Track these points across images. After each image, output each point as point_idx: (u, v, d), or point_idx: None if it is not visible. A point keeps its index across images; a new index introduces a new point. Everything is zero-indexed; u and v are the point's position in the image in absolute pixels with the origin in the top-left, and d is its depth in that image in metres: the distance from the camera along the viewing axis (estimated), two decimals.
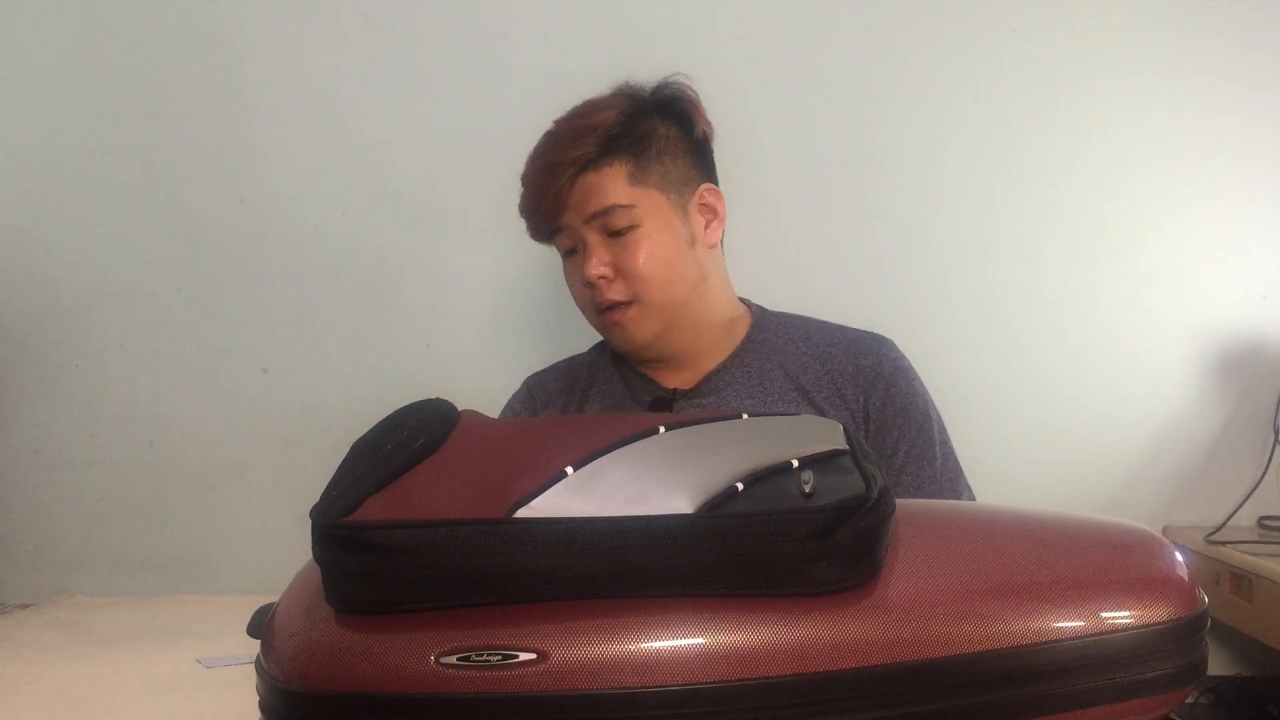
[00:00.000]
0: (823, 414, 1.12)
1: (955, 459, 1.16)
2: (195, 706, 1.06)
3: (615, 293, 1.11)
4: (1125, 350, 1.61)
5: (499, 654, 0.54)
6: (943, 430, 1.16)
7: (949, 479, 1.13)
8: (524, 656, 0.54)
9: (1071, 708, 0.56)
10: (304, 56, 1.66)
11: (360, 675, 0.55)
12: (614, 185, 1.09)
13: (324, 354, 1.67)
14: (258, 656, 0.61)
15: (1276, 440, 1.56)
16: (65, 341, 1.70)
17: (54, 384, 1.70)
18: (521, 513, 0.56)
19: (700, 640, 0.54)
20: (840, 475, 0.60)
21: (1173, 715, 0.60)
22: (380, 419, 0.69)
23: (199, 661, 1.21)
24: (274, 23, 1.66)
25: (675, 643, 0.54)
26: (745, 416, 0.70)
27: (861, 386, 1.13)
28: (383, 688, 0.55)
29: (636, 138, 1.10)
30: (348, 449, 0.66)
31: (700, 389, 1.15)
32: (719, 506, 0.56)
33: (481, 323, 1.66)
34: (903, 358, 1.18)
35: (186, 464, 1.69)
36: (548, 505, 0.56)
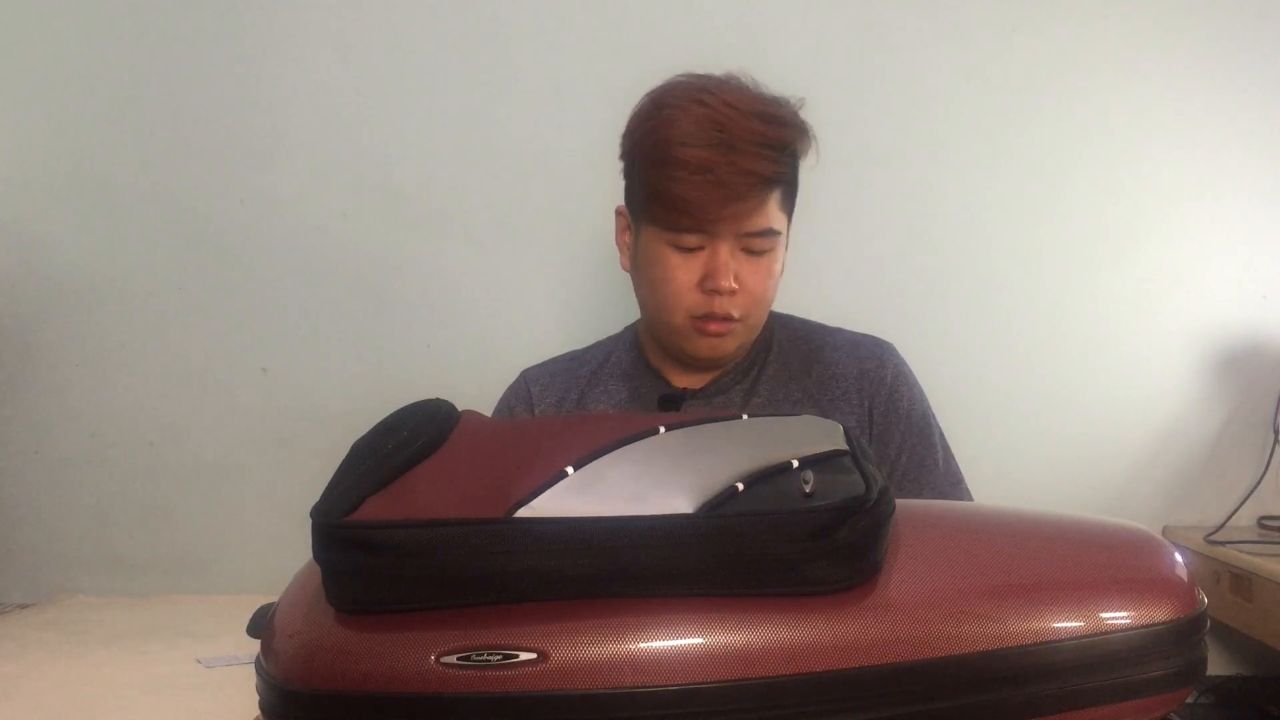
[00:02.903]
0: (828, 418, 1.11)
1: (955, 464, 1.16)
2: (195, 706, 1.06)
3: (734, 307, 1.07)
4: (1125, 350, 1.61)
5: (499, 654, 0.54)
6: (942, 436, 1.16)
7: (951, 483, 1.13)
8: (524, 656, 0.54)
9: (1071, 708, 0.56)
10: (304, 57, 1.66)
11: (360, 675, 0.55)
12: (775, 209, 1.06)
13: (324, 354, 1.67)
14: (258, 656, 0.61)
15: (1276, 440, 1.57)
16: (65, 341, 1.70)
17: (54, 384, 1.70)
18: (522, 513, 0.56)
19: (700, 640, 0.54)
20: (840, 475, 0.60)
21: (1173, 715, 0.60)
22: (380, 419, 0.69)
23: (199, 661, 1.21)
24: (274, 23, 1.66)
25: (675, 643, 0.54)
26: (745, 416, 0.70)
27: (866, 391, 1.13)
28: (383, 687, 0.55)
29: (795, 162, 1.08)
30: (348, 449, 0.66)
31: (709, 389, 1.14)
32: (719, 506, 0.56)
33: (481, 323, 1.66)
34: (904, 363, 1.18)
35: (186, 464, 1.69)
36: (548, 505, 0.56)
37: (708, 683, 0.53)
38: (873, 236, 1.62)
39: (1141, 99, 1.60)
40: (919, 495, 1.10)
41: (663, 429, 0.64)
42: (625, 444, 0.61)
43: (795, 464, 0.60)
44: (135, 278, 1.69)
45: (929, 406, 1.17)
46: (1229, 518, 1.55)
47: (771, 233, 1.06)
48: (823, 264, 1.61)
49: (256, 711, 0.60)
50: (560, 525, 0.55)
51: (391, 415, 0.70)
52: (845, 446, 0.65)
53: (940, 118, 1.61)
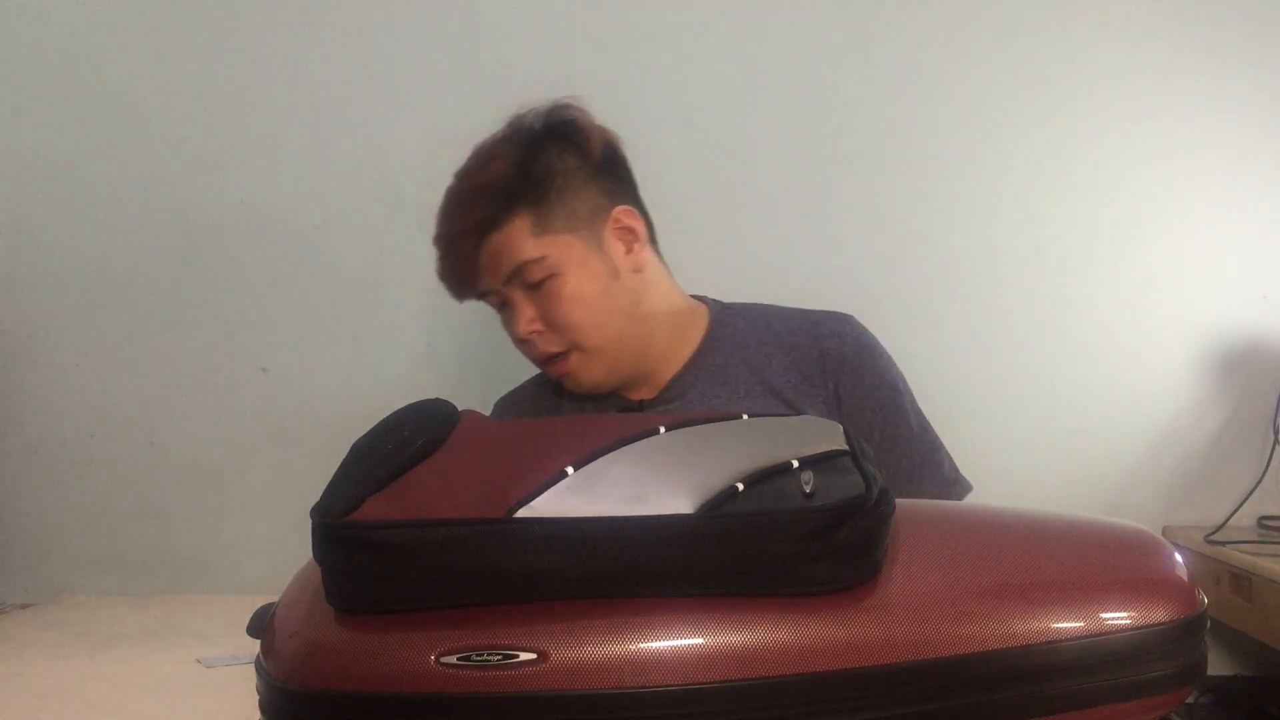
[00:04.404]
0: (792, 406, 1.10)
1: (932, 431, 1.14)
2: (195, 706, 1.06)
3: (550, 344, 1.08)
4: (1125, 350, 1.61)
5: (499, 654, 0.54)
6: (914, 401, 1.14)
7: (928, 450, 1.12)
8: (524, 656, 0.54)
9: (1071, 708, 0.56)
10: (304, 56, 1.66)
11: (360, 675, 0.55)
12: (520, 241, 1.05)
13: (324, 354, 1.67)
14: (258, 656, 0.61)
15: (1276, 440, 1.57)
16: (65, 341, 1.70)
17: (54, 384, 1.70)
18: (522, 513, 0.56)
19: (700, 640, 0.54)
20: (840, 475, 0.60)
21: (1173, 715, 0.60)
22: (380, 419, 0.69)
23: (199, 661, 1.21)
24: (274, 23, 1.66)
25: (675, 643, 0.54)
26: (745, 416, 0.70)
27: (829, 371, 1.11)
28: (383, 688, 0.55)
29: (534, 183, 1.06)
30: (348, 449, 0.66)
31: (664, 396, 1.13)
32: (719, 506, 0.56)
33: (481, 323, 1.66)
34: (866, 334, 1.15)
35: (186, 464, 1.69)
36: (548, 505, 0.56)
37: (708, 683, 0.53)
38: (873, 236, 1.62)
39: (1141, 99, 1.60)
40: (896, 468, 1.09)
41: (663, 429, 0.64)
42: (625, 444, 0.61)
43: (795, 464, 0.60)
44: (135, 278, 1.69)
45: (898, 374, 1.15)
46: (1229, 518, 1.54)
47: (529, 264, 1.05)
48: (823, 263, 1.61)
49: (256, 712, 0.60)
50: (560, 525, 0.55)
51: (391, 415, 0.70)
52: (845, 446, 0.65)
53: (940, 118, 1.61)
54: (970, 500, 1.13)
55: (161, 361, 1.69)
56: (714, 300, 1.21)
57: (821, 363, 1.12)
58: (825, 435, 0.66)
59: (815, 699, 0.54)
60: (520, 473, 0.58)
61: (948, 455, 1.14)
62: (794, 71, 1.62)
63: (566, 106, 1.12)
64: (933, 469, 1.11)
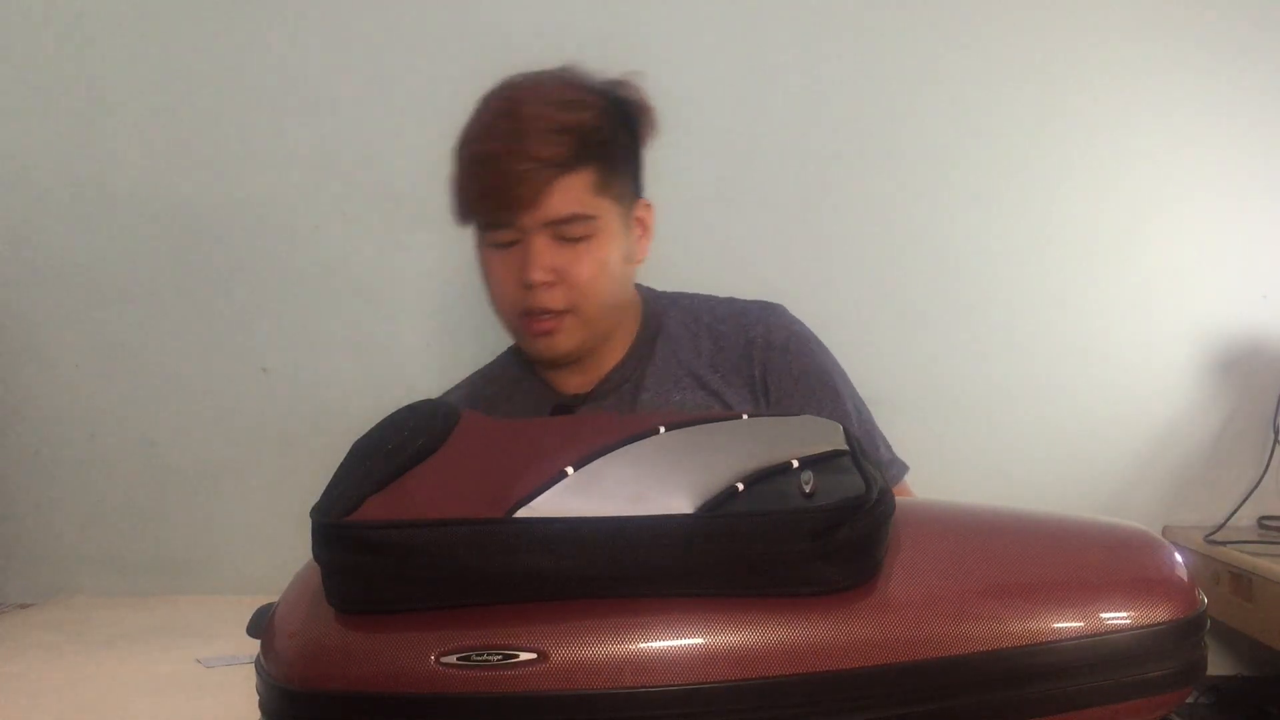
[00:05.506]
0: (719, 398, 1.09)
1: (868, 413, 1.13)
2: (195, 706, 1.06)
3: (553, 299, 1.04)
4: (1125, 350, 1.61)
5: (499, 654, 0.54)
6: (848, 385, 1.13)
7: (865, 435, 1.10)
8: (524, 656, 0.54)
9: (1071, 708, 0.56)
10: (304, 56, 1.66)
11: (360, 675, 0.55)
12: (581, 193, 1.02)
13: (324, 354, 1.67)
14: (258, 656, 0.61)
15: (1276, 440, 1.57)
16: (65, 341, 1.70)
17: (54, 384, 1.70)
18: (522, 512, 0.56)
19: (700, 640, 0.54)
20: (840, 475, 0.60)
21: (1173, 715, 0.60)
22: (380, 419, 0.69)
23: (199, 661, 1.21)
24: (274, 23, 1.66)
25: (675, 643, 0.54)
26: (745, 416, 0.70)
27: (756, 360, 1.10)
28: (383, 688, 0.55)
29: (605, 143, 1.04)
30: (348, 449, 0.66)
31: (599, 390, 1.11)
32: (719, 506, 0.56)
33: (481, 322, 1.66)
34: (795, 323, 1.14)
35: (186, 464, 1.69)
36: (548, 505, 0.56)
37: (708, 683, 0.53)
38: (873, 236, 1.62)
39: (1141, 98, 1.60)
40: None
41: (663, 429, 0.64)
42: (625, 444, 0.61)
43: (795, 464, 0.60)
44: (135, 278, 1.69)
45: (830, 361, 1.14)
46: (1229, 518, 1.55)
47: (581, 218, 1.02)
48: (823, 263, 1.61)
49: (256, 711, 0.60)
50: (560, 525, 0.55)
51: (391, 415, 0.70)
52: (845, 446, 0.65)
53: (940, 118, 1.61)
54: (970, 500, 1.12)
55: (161, 362, 1.69)
56: (647, 288, 1.19)
57: (748, 350, 1.11)
58: (825, 435, 0.67)
59: (815, 699, 0.54)
60: (520, 472, 0.58)
61: (882, 437, 1.13)
62: (794, 71, 1.62)
63: (638, 86, 1.10)
64: (870, 453, 1.10)
